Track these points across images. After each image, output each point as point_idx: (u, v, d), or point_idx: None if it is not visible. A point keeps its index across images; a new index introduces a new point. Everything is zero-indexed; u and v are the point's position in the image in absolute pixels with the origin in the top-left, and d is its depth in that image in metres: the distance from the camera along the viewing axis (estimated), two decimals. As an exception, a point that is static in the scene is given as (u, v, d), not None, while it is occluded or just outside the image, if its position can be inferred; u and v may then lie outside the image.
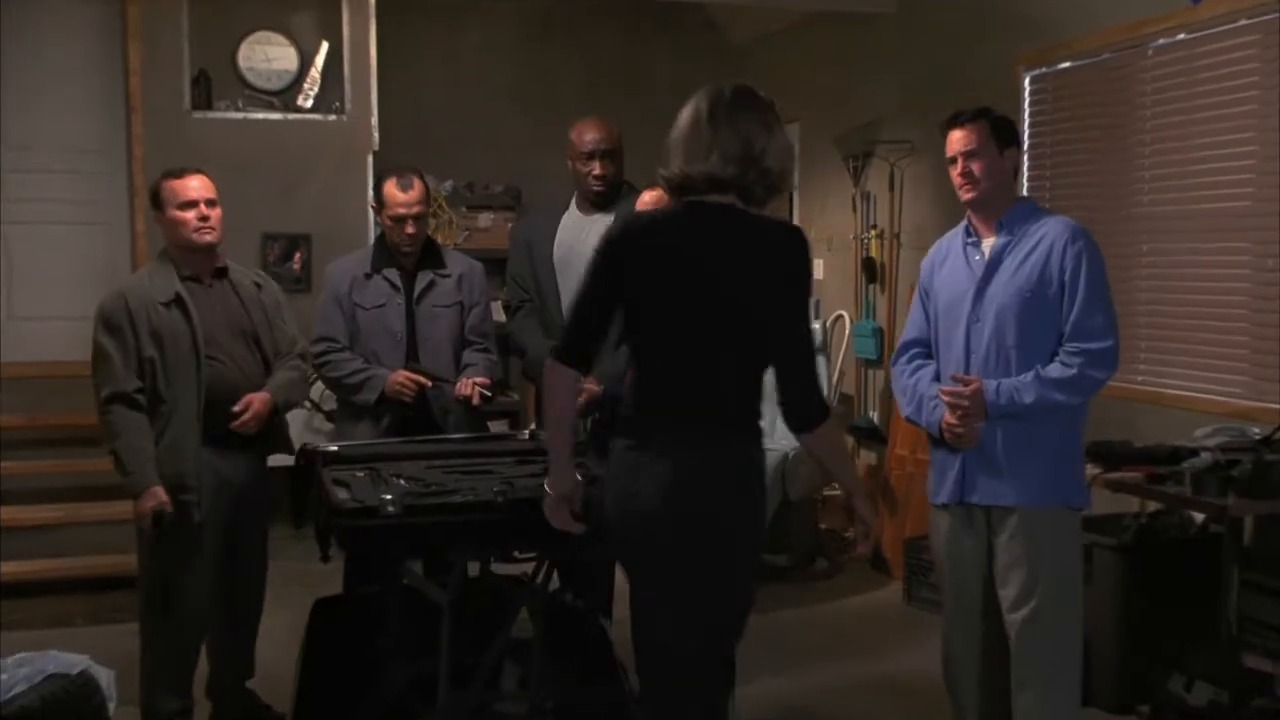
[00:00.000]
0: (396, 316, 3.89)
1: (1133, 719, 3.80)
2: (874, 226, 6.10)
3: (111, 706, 2.89)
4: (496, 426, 5.66)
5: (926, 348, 3.17)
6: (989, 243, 3.04)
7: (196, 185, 3.52)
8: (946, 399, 2.95)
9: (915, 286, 5.63)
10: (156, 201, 3.56)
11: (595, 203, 3.95)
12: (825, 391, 2.88)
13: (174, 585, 3.46)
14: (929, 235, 5.64)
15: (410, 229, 3.83)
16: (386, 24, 6.21)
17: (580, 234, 3.95)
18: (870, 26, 6.11)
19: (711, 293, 2.45)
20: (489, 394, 3.86)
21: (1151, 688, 3.66)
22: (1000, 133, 3.01)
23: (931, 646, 3.98)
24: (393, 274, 3.91)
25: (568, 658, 3.33)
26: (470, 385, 3.80)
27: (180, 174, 3.54)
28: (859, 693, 4.16)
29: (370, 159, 5.98)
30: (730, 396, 2.49)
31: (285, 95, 6.01)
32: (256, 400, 3.51)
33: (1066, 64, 4.78)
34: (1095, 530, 3.83)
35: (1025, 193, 4.71)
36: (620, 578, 3.47)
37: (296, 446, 3.49)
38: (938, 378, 3.09)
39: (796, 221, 6.59)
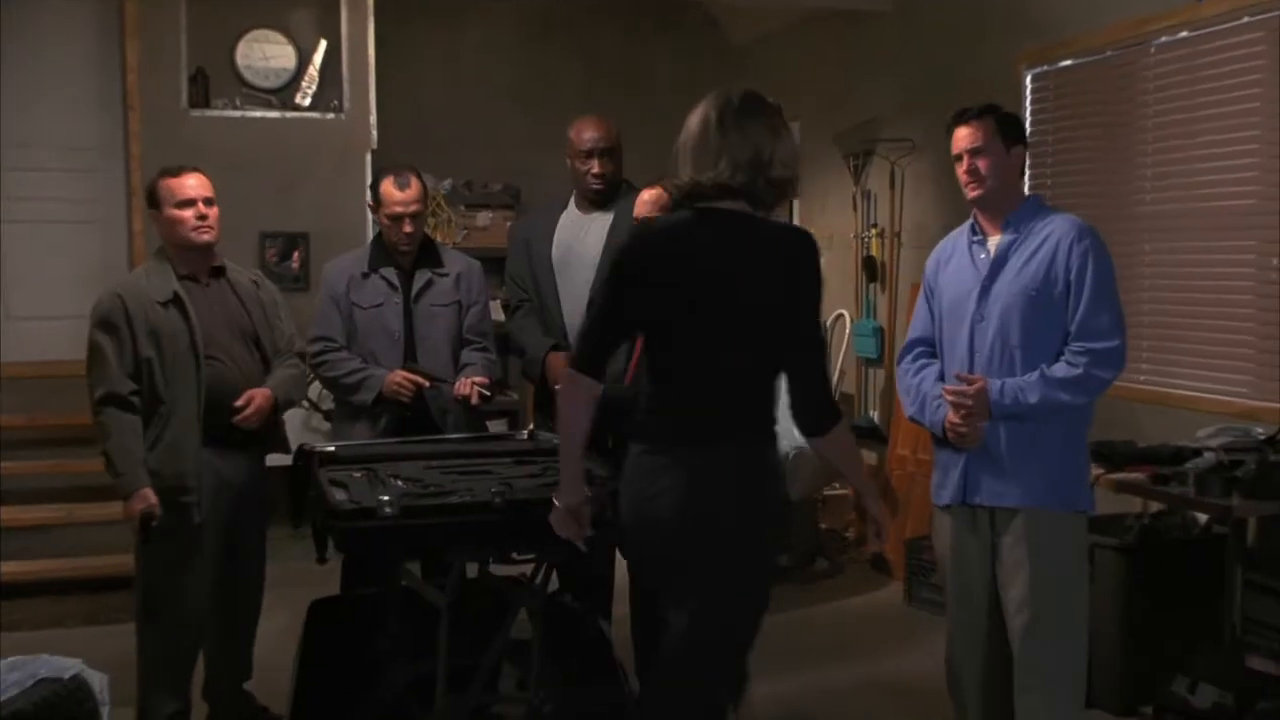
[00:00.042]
0: (394, 316, 3.87)
1: (1135, 721, 3.80)
2: (874, 225, 6.08)
3: (105, 711, 2.86)
4: (495, 426, 5.65)
5: (931, 347, 3.15)
6: (994, 241, 3.01)
7: (194, 184, 3.50)
8: (950, 398, 2.93)
9: (916, 285, 5.67)
10: (153, 200, 3.53)
11: (594, 201, 3.93)
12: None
13: (170, 587, 3.44)
14: (929, 234, 5.64)
15: (407, 227, 3.82)
16: (386, 23, 6.21)
17: (579, 233, 3.94)
18: (870, 25, 6.09)
19: (725, 298, 2.46)
20: (488, 393, 3.84)
21: (1155, 689, 3.64)
22: (1007, 129, 2.98)
23: (932, 647, 3.97)
24: (390, 273, 3.89)
25: (567, 659, 3.33)
26: (469, 385, 3.79)
27: (177, 172, 3.52)
28: (859, 693, 4.15)
29: (369, 158, 5.97)
30: (745, 400, 2.51)
31: (283, 93, 5.99)
32: (259, 395, 3.49)
33: (1068, 62, 4.75)
34: (1098, 531, 3.80)
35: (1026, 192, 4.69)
36: (620, 578, 3.48)
37: (294, 446, 3.47)
38: (942, 377, 3.06)
39: (797, 221, 6.57)
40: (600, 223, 3.90)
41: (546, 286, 3.94)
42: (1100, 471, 3.59)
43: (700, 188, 2.49)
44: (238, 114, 5.89)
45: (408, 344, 3.87)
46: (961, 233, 3.12)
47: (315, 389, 4.89)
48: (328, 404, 5.05)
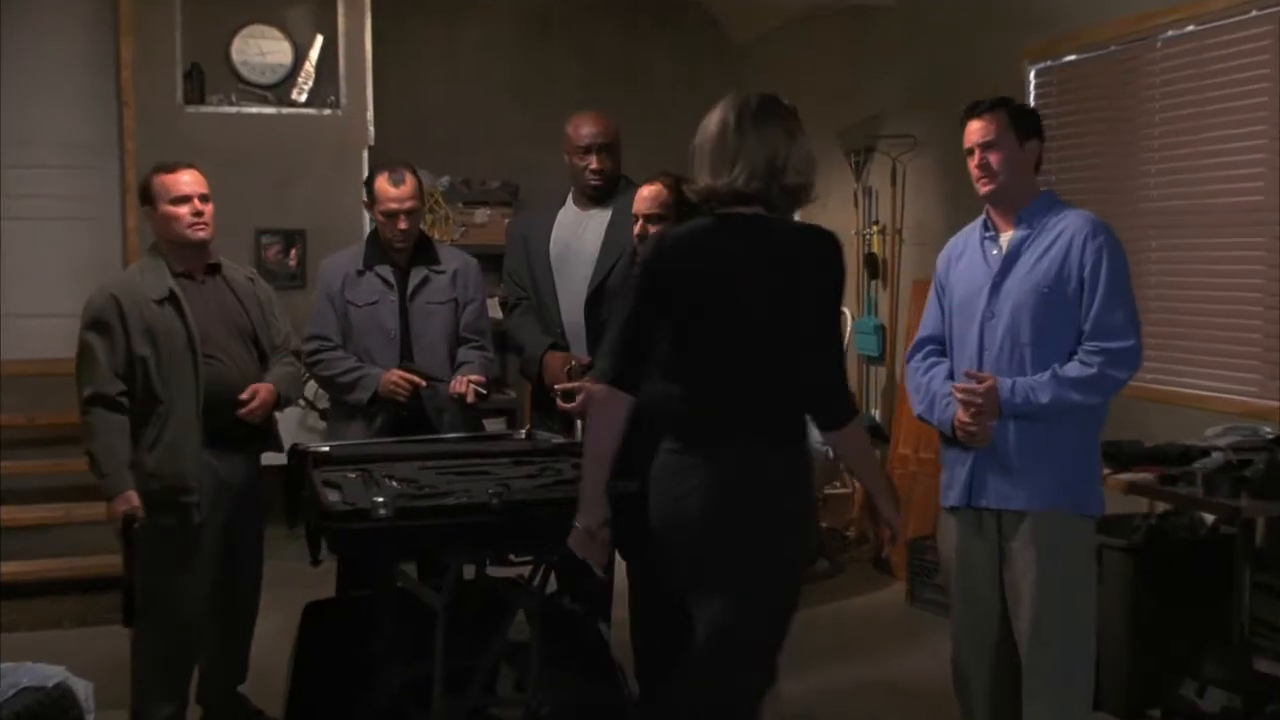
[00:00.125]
0: (390, 314, 3.84)
1: (1142, 723, 3.76)
2: (876, 222, 6.05)
3: (90, 719, 2.81)
4: (493, 425, 5.62)
5: (941, 345, 3.10)
6: (1007, 236, 2.96)
7: (189, 180, 3.47)
8: (960, 396, 2.88)
9: (918, 282, 5.64)
10: (146, 196, 3.50)
11: (592, 198, 3.90)
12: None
13: (168, 588, 3.40)
14: (931, 231, 5.60)
15: (402, 224, 3.78)
16: (383, 19, 6.17)
17: (577, 230, 3.90)
18: (872, 20, 6.06)
19: (751, 303, 2.49)
20: (484, 392, 3.81)
21: (1162, 692, 3.61)
22: (1020, 123, 2.93)
23: (935, 648, 3.93)
24: (386, 270, 3.85)
25: (565, 661, 3.31)
26: (465, 383, 3.75)
27: (172, 168, 3.49)
28: (862, 695, 4.11)
29: (365, 154, 5.93)
30: (773, 402, 2.53)
31: (279, 89, 5.95)
32: (263, 389, 3.47)
33: (1072, 57, 4.71)
34: (1104, 531, 3.76)
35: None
36: (619, 580, 3.44)
37: (289, 445, 3.44)
38: (951, 375, 3.02)
39: (797, 218, 6.52)
40: (599, 219, 3.87)
41: (544, 284, 3.91)
42: (1108, 472, 3.55)
43: (715, 193, 2.53)
44: (233, 110, 5.85)
45: (404, 342, 3.83)
46: (974, 228, 3.07)
47: (311, 387, 4.85)
48: (323, 403, 5.02)
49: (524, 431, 3.77)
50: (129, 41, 5.69)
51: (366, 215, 5.41)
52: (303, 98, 5.94)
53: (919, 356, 3.12)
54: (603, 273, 3.80)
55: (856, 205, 6.14)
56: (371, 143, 5.96)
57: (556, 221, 3.96)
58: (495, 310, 4.19)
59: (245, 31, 5.90)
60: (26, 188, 5.68)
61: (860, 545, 5.81)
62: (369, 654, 3.21)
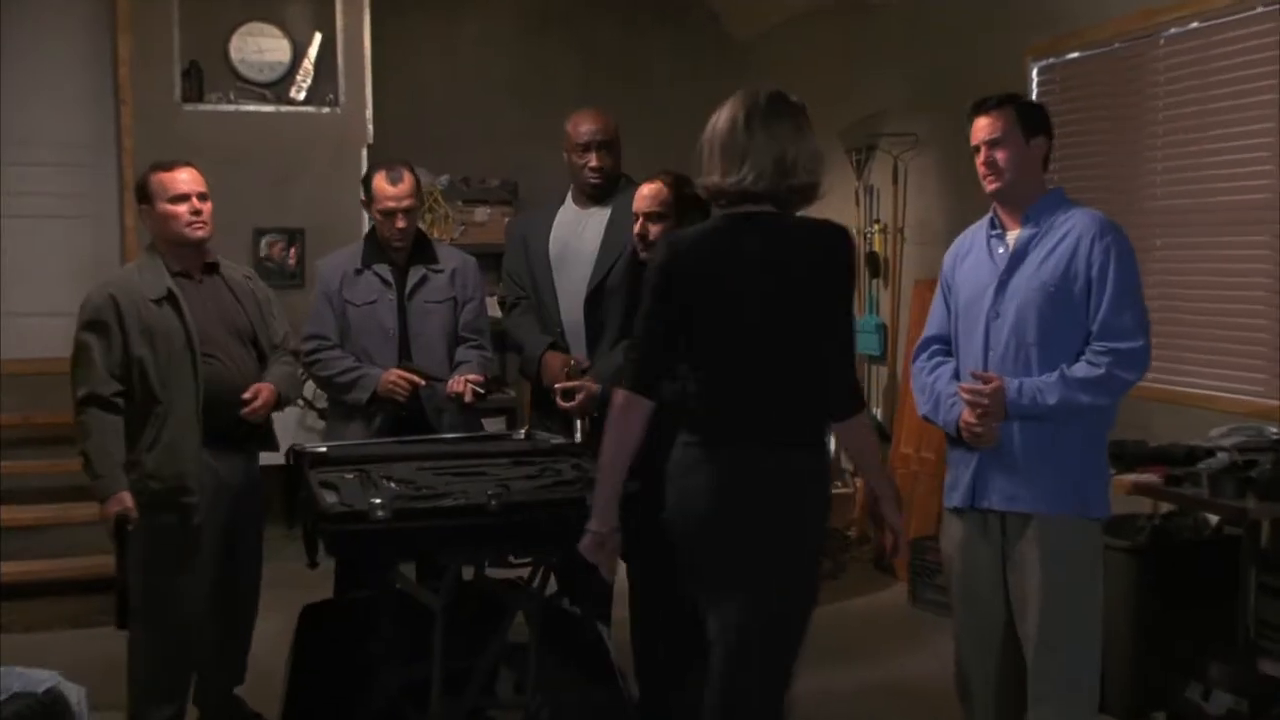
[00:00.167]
0: (388, 313, 3.81)
1: (1146, 726, 3.73)
2: (877, 221, 6.03)
3: (83, 723, 2.79)
4: (493, 425, 5.59)
5: (947, 344, 3.07)
6: (1013, 235, 2.93)
7: (186, 178, 3.45)
8: (966, 397, 2.85)
9: (919, 281, 5.62)
10: (144, 195, 3.48)
11: (592, 196, 3.87)
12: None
13: (168, 589, 3.38)
14: (933, 229, 5.58)
15: (400, 223, 3.75)
16: (382, 17, 6.17)
17: (577, 229, 3.87)
18: (874, 18, 6.03)
19: (765, 301, 2.50)
20: (482, 391, 3.78)
21: (1166, 694, 3.58)
22: (1027, 120, 2.90)
23: (937, 649, 3.91)
24: (384, 269, 3.83)
25: (564, 663, 3.30)
26: (463, 382, 3.73)
27: (169, 167, 3.47)
28: (863, 696, 4.08)
29: (365, 152, 5.92)
30: (792, 400, 2.54)
31: (278, 87, 5.95)
32: (265, 389, 3.46)
33: (1075, 54, 4.69)
34: (1108, 532, 3.71)
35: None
36: (619, 582, 3.42)
37: (289, 445, 3.41)
38: (957, 375, 2.99)
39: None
40: (598, 218, 3.84)
41: (544, 283, 3.88)
42: (1113, 473, 3.52)
43: (723, 192, 2.53)
44: (231, 108, 5.85)
45: (402, 342, 3.80)
46: (981, 226, 3.03)
47: (310, 387, 4.83)
48: (322, 402, 4.99)
49: (523, 432, 3.74)
50: (126, 39, 5.69)
51: (365, 214, 5.41)
52: (301, 96, 5.93)
53: (924, 356, 3.09)
54: (602, 272, 3.78)
55: (858, 204, 6.11)
56: (370, 141, 5.96)
57: (556, 220, 3.93)
58: (494, 309, 4.16)
59: (243, 29, 5.90)
60: (24, 186, 5.67)
61: (861, 545, 5.78)
62: (367, 656, 3.19)
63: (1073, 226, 2.85)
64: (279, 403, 3.54)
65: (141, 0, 5.67)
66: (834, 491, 5.81)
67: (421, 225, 4.00)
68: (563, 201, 3.98)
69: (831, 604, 5.12)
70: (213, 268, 3.54)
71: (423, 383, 3.73)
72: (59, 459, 5.24)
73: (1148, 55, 4.34)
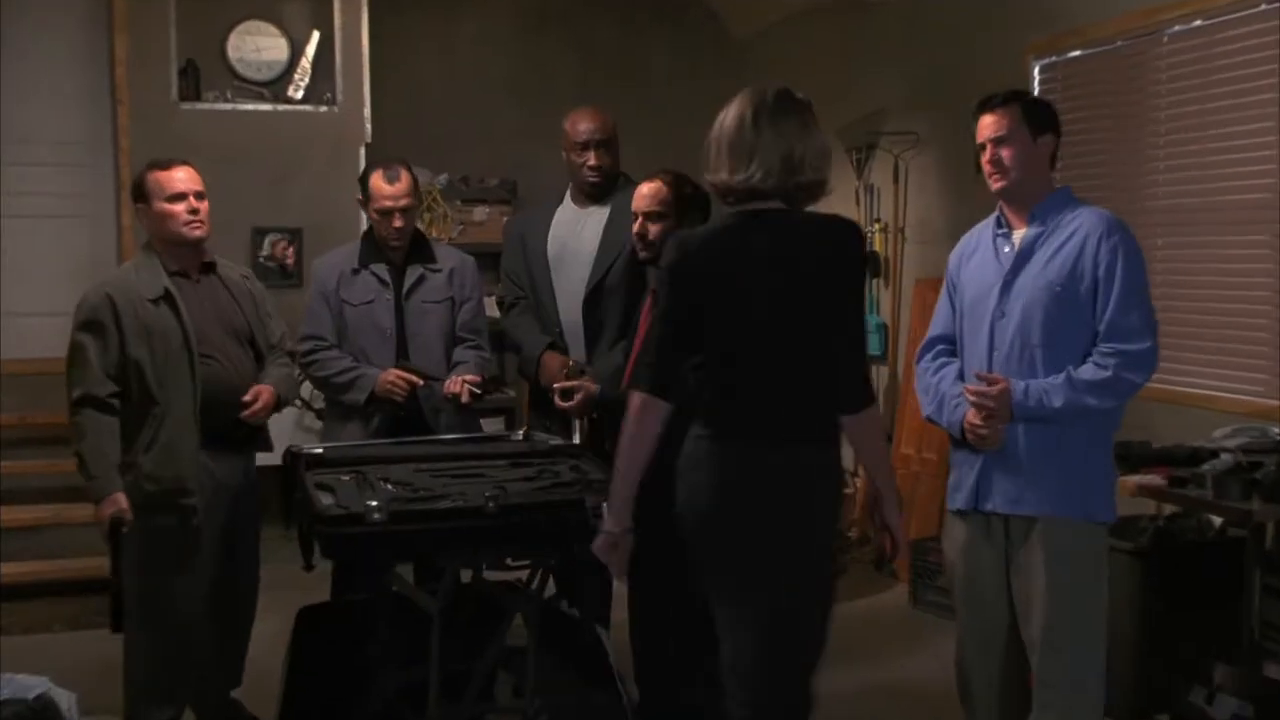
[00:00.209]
0: (385, 312, 3.79)
1: (1150, 728, 3.71)
2: (878, 220, 6.00)
3: (74, 729, 2.77)
4: (492, 425, 5.57)
5: (951, 345, 3.04)
6: (1019, 234, 2.90)
7: (183, 177, 3.43)
8: (972, 398, 2.82)
9: (920, 281, 5.59)
10: (140, 194, 3.45)
11: (590, 194, 3.85)
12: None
13: (167, 591, 3.36)
14: (934, 229, 5.56)
15: (398, 222, 3.73)
16: (381, 15, 6.14)
17: (575, 228, 3.85)
18: (874, 15, 6.01)
19: (778, 298, 2.50)
20: (479, 391, 3.76)
21: (1170, 697, 3.56)
22: (1034, 117, 2.87)
23: (938, 650, 3.89)
24: (381, 269, 3.81)
25: (563, 666, 3.29)
26: (459, 383, 3.71)
27: (166, 165, 3.45)
28: (865, 697, 4.06)
29: (363, 151, 5.90)
30: (801, 395, 2.54)
31: (275, 86, 5.92)
32: (265, 391, 3.45)
33: (1077, 52, 4.66)
34: (1111, 533, 3.67)
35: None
36: (619, 583, 3.39)
37: (286, 445, 3.39)
38: (961, 376, 2.96)
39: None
40: (597, 217, 3.82)
41: (542, 283, 3.86)
42: (1117, 474, 3.50)
43: (731, 189, 2.54)
44: (229, 107, 5.82)
45: (399, 341, 3.78)
46: (987, 225, 3.00)
47: (307, 387, 4.81)
48: (320, 403, 4.97)
49: (521, 433, 3.72)
50: (123, 38, 5.66)
51: (364, 213, 5.40)
52: (299, 94, 5.91)
53: (929, 356, 3.06)
54: (601, 271, 3.75)
55: (858, 203, 6.09)
56: (369, 140, 5.94)
57: (554, 219, 3.91)
58: (493, 309, 4.14)
59: (241, 28, 5.87)
60: (20, 185, 5.64)
61: (862, 546, 5.76)
62: (364, 659, 3.17)
63: (1079, 225, 2.82)
64: (277, 405, 3.52)
65: (138, -1, 5.67)
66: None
67: (420, 225, 3.98)
68: (561, 200, 3.95)
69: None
70: (210, 267, 3.52)
71: (421, 382, 3.71)
72: (58, 459, 5.22)
73: (1150, 53, 4.31)
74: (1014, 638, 2.89)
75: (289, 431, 5.06)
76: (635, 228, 3.37)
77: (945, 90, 5.32)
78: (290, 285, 5.62)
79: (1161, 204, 4.29)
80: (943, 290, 3.10)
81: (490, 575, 3.20)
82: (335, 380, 3.78)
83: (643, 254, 3.37)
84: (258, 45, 5.89)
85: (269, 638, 3.76)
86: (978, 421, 2.81)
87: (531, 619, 3.07)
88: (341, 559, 3.08)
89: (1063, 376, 2.75)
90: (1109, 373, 2.72)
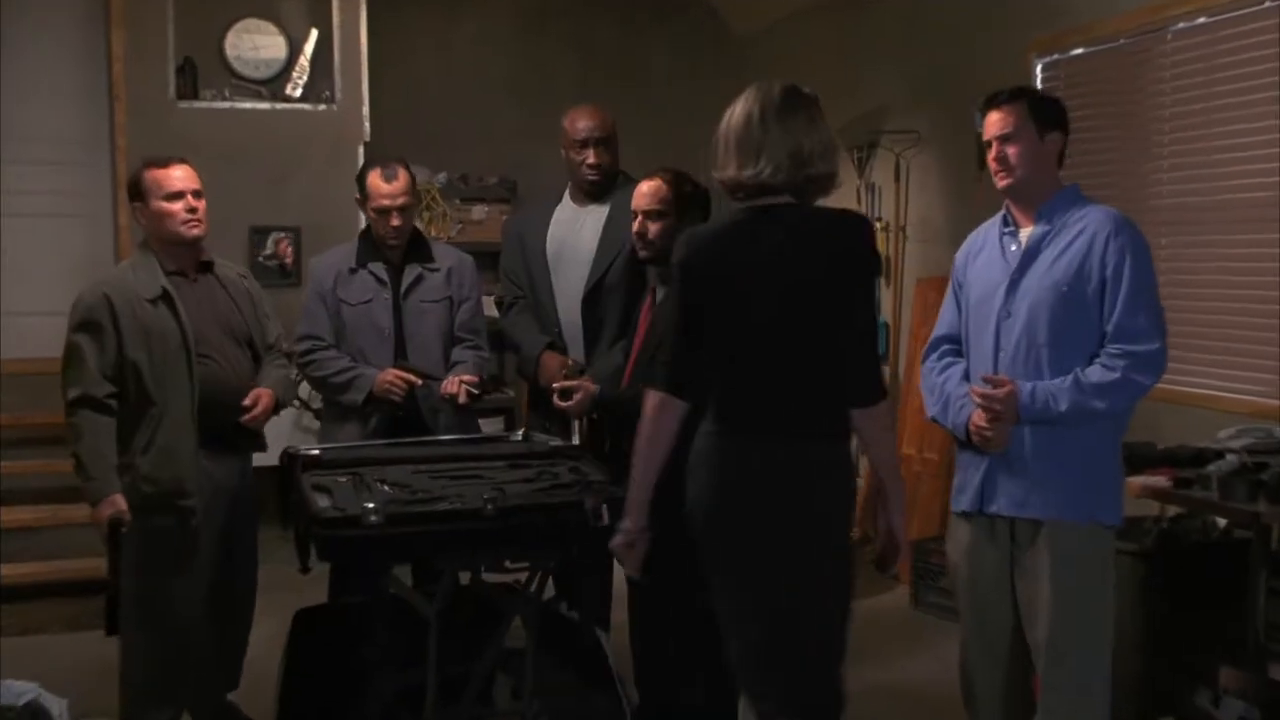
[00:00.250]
0: (383, 312, 3.77)
1: (1155, 731, 3.69)
2: (879, 219, 5.98)
3: (65, 735, 2.75)
4: (491, 425, 5.55)
5: (957, 344, 3.01)
6: (1026, 233, 2.87)
7: (181, 175, 3.41)
8: (978, 400, 2.79)
9: (921, 280, 5.57)
10: (137, 192, 3.43)
11: (589, 193, 3.83)
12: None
13: (165, 592, 3.34)
14: (935, 227, 5.53)
15: (395, 221, 3.71)
16: (379, 13, 6.13)
17: (574, 227, 3.83)
18: (875, 13, 5.99)
19: (789, 293, 2.50)
20: (476, 392, 3.74)
21: (1175, 700, 3.54)
22: (1041, 114, 2.84)
23: (940, 652, 3.87)
24: (379, 268, 3.79)
25: (562, 669, 3.28)
26: (457, 383, 3.69)
27: (164, 163, 3.42)
28: (866, 699, 4.01)
29: (361, 150, 5.89)
30: (810, 390, 2.53)
31: (273, 84, 5.90)
32: (265, 395, 3.43)
33: (1080, 50, 4.64)
34: (1115, 535, 3.69)
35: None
36: (619, 584, 3.38)
37: (284, 446, 3.37)
38: (967, 376, 2.93)
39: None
40: (596, 216, 3.80)
41: (541, 282, 3.85)
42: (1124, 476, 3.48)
43: (741, 185, 2.54)
44: (227, 105, 5.80)
45: (397, 341, 3.76)
46: (994, 224, 2.98)
47: (305, 387, 4.79)
48: (317, 403, 4.95)
49: (520, 433, 3.70)
50: (120, 35, 5.65)
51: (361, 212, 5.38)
52: (297, 93, 5.90)
53: (934, 356, 3.03)
54: (600, 270, 3.73)
55: (859, 201, 6.06)
56: (367, 138, 5.93)
57: (553, 218, 3.90)
58: (491, 309, 4.12)
59: (239, 25, 5.85)
60: (18, 184, 5.63)
61: (864, 546, 5.73)
62: (362, 661, 3.15)
63: (1087, 224, 2.80)
64: (275, 407, 3.50)
65: (135, -5, 5.65)
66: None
67: (419, 224, 3.96)
68: (560, 199, 3.93)
69: (833, 606, 5.09)
70: (207, 266, 3.50)
71: (419, 382, 3.69)
72: (56, 460, 5.20)
73: (1154, 51, 4.29)
74: (1018, 641, 2.87)
75: (286, 432, 5.03)
76: (635, 226, 3.34)
77: (947, 88, 5.30)
78: (288, 284, 5.61)
79: (1166, 203, 4.26)
80: (948, 289, 3.07)
81: (489, 577, 3.18)
82: (333, 380, 3.75)
83: (642, 253, 3.34)
84: (256, 43, 5.87)
85: (265, 640, 3.74)
86: (983, 423, 2.79)
87: (530, 621, 3.05)
88: (338, 561, 3.06)
89: (1070, 379, 2.72)
90: (1117, 374, 2.70)
